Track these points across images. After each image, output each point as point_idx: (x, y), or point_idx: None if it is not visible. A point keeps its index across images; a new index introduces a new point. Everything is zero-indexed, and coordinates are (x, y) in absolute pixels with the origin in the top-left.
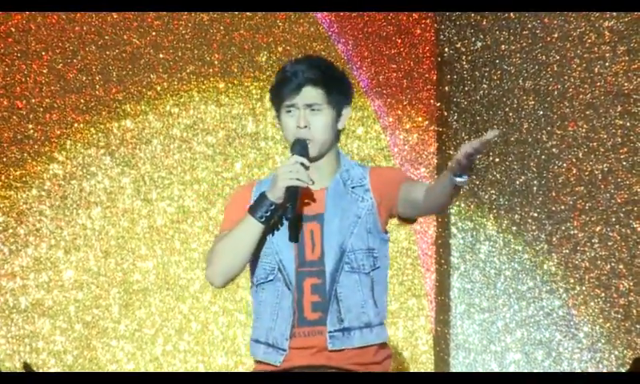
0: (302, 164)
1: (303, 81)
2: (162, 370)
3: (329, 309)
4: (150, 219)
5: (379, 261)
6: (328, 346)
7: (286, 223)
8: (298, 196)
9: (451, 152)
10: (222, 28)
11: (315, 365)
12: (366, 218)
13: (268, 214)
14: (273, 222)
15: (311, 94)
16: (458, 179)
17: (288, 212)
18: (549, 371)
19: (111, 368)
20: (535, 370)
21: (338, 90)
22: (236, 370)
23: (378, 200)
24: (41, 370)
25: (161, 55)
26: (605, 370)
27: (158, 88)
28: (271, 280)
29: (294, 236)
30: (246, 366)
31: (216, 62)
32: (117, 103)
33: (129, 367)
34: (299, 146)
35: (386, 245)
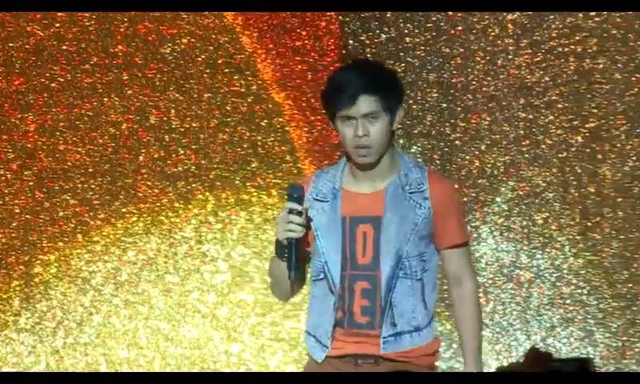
0: (295, 211)
1: (357, 90)
2: (63, 363)
3: (383, 314)
4: (52, 212)
5: (427, 263)
6: (381, 350)
7: (330, 224)
8: (295, 247)
9: None
10: (126, 20)
11: (367, 353)
12: (422, 225)
13: (286, 254)
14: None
15: (367, 103)
16: None
17: (291, 265)
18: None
19: (12, 361)
20: None
21: (391, 93)
22: (137, 362)
23: (435, 213)
24: None
25: (64, 47)
26: (505, 361)
27: (62, 80)
28: (321, 279)
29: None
30: (148, 358)
31: (120, 54)
32: (20, 95)
33: (29, 360)
34: (293, 192)
35: (433, 244)
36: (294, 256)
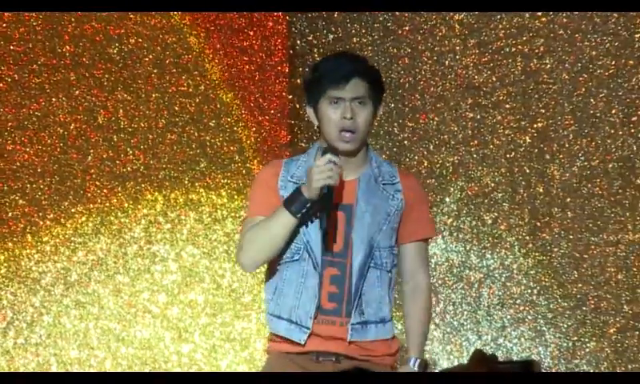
0: (334, 162)
1: (351, 73)
2: (14, 364)
3: (350, 302)
4: (0, 212)
5: (396, 258)
6: (348, 337)
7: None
8: (332, 193)
9: (303, 144)
10: (73, 20)
11: (335, 352)
12: (394, 216)
13: (304, 210)
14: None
15: (358, 86)
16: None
17: (325, 207)
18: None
19: None
20: None
21: (378, 85)
22: (88, 362)
23: (408, 206)
24: None
25: (11, 47)
26: (456, 361)
27: (9, 80)
28: (297, 260)
29: (329, 224)
30: (99, 358)
31: (67, 54)
32: None
33: None
34: (326, 152)
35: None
36: (330, 204)
